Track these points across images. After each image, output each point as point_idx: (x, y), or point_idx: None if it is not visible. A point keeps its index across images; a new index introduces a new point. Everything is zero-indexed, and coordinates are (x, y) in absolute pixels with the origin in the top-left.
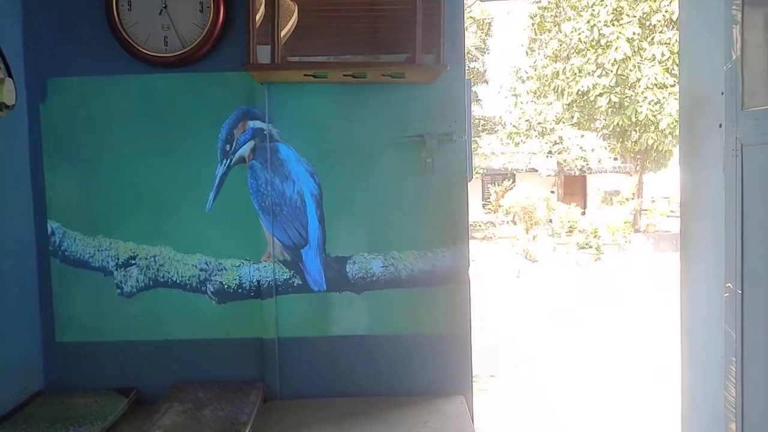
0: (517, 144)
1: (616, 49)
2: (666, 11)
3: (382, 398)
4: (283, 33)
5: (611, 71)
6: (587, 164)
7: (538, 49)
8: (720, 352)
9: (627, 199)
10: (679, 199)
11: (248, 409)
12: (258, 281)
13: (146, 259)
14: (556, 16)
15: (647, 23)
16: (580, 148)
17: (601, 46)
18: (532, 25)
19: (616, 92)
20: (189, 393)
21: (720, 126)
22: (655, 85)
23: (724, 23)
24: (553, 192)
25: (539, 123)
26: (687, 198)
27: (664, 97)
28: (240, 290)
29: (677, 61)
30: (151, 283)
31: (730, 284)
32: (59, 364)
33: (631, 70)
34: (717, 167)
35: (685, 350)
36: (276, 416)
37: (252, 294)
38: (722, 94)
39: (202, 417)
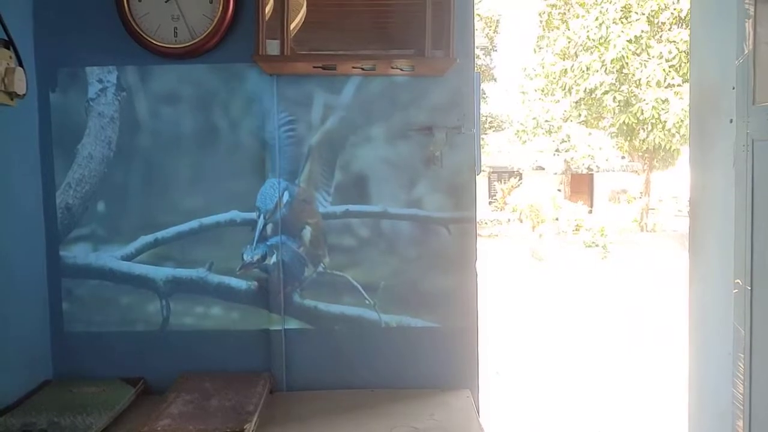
0: (524, 142)
1: (614, 46)
2: (674, 9)
3: (388, 390)
4: (291, 27)
5: (612, 69)
6: (595, 162)
7: (546, 46)
8: (728, 348)
9: (634, 198)
10: (689, 193)
11: (255, 400)
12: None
13: (157, 249)
14: (565, 14)
15: (655, 21)
16: (588, 146)
17: (606, 43)
18: (541, 22)
19: (621, 90)
20: (196, 383)
21: (731, 121)
22: (658, 83)
23: (736, 17)
24: (560, 190)
25: (546, 121)
26: (696, 192)
27: (669, 97)
28: (248, 284)
29: (684, 59)
30: (160, 273)
31: (739, 280)
32: (67, 353)
33: (637, 68)
34: (727, 162)
35: (693, 346)
36: (282, 407)
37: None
38: (733, 88)
39: (209, 407)
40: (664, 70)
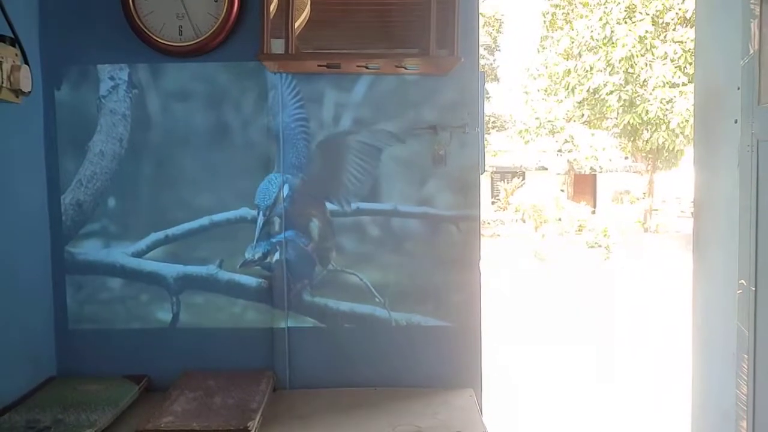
0: (527, 142)
1: (623, 45)
2: (679, 9)
3: (391, 389)
4: (296, 25)
5: (620, 69)
6: (598, 163)
7: (550, 46)
8: (732, 349)
9: (637, 199)
10: (693, 194)
11: (258, 398)
12: (270, 272)
13: (167, 246)
14: (568, 14)
15: (660, 21)
16: (591, 146)
17: (612, 43)
18: (544, 22)
19: (625, 90)
20: (199, 381)
21: (736, 121)
22: (666, 83)
23: (741, 17)
24: (563, 190)
25: (549, 121)
26: (701, 193)
27: (674, 96)
28: (258, 282)
29: (689, 59)
30: (171, 270)
31: (743, 281)
32: (72, 350)
33: (642, 68)
34: (732, 163)
35: (697, 347)
36: (285, 405)
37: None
38: (738, 89)
39: (212, 404)
40: (670, 70)
